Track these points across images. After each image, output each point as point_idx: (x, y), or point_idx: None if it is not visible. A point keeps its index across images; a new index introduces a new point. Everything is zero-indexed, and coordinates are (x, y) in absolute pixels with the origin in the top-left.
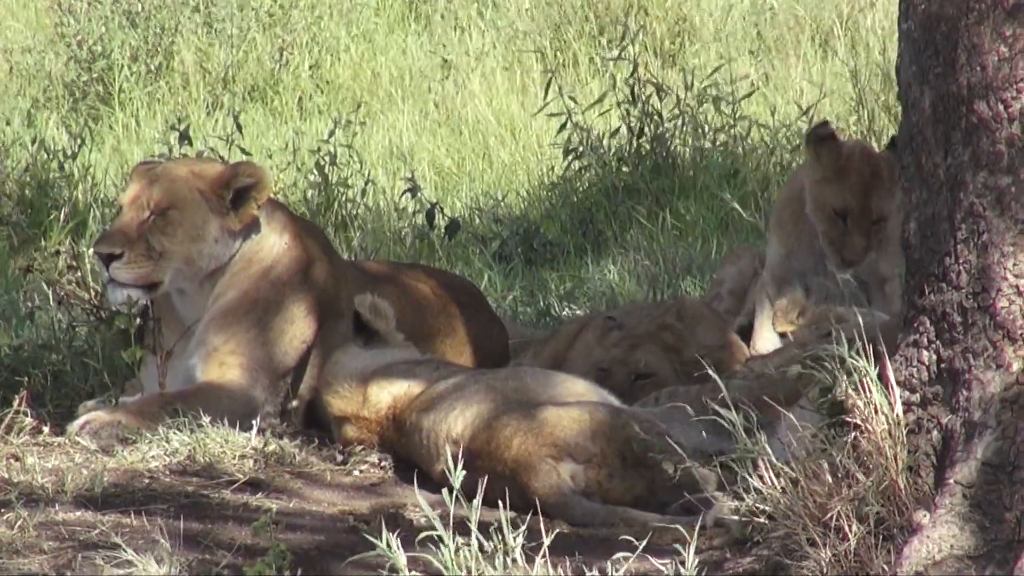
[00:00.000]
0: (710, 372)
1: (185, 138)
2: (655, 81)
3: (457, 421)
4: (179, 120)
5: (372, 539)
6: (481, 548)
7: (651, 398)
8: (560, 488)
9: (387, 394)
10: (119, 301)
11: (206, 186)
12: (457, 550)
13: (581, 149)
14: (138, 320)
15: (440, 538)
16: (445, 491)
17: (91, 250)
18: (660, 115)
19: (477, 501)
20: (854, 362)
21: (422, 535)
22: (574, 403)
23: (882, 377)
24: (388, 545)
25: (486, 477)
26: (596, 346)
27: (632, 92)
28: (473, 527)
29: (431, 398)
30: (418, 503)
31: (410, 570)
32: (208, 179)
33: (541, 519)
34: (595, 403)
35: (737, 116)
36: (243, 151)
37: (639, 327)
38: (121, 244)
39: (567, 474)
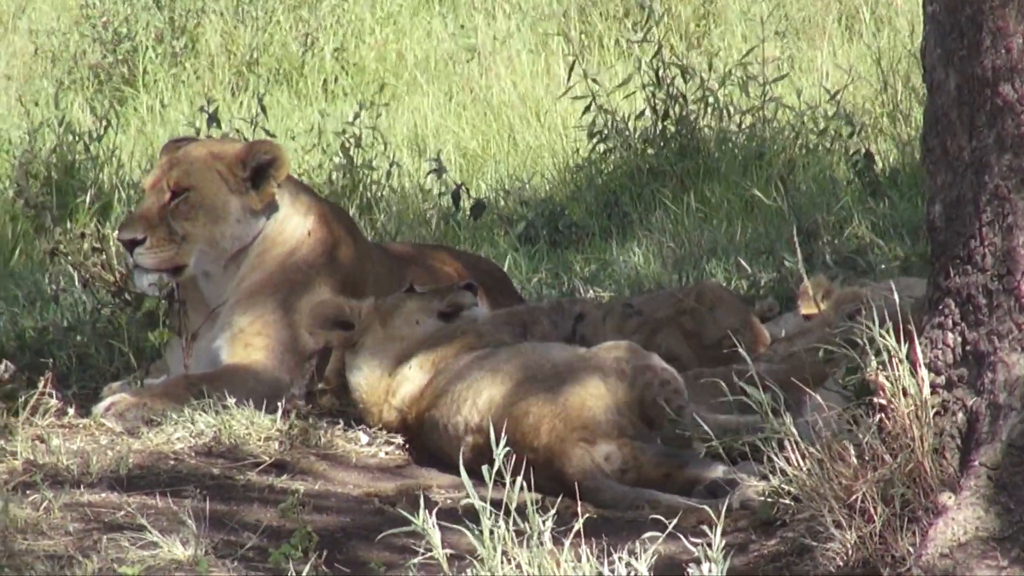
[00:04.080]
0: (741, 351)
1: (213, 119)
2: (680, 63)
3: (472, 412)
4: (208, 102)
5: (408, 516)
6: (516, 530)
7: None
8: (593, 472)
9: (409, 384)
10: (145, 286)
11: (224, 166)
12: (491, 531)
13: (606, 132)
14: (163, 302)
15: (468, 520)
16: (464, 475)
17: (115, 235)
18: (685, 97)
19: (506, 480)
20: (882, 342)
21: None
22: (587, 374)
23: (910, 358)
24: (422, 521)
25: (513, 459)
26: (615, 333)
27: (657, 75)
28: (512, 506)
29: (438, 392)
30: (443, 485)
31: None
32: (226, 159)
33: (575, 502)
34: (604, 368)
35: (765, 98)
36: (268, 133)
37: (658, 312)
38: (143, 229)
39: (602, 456)
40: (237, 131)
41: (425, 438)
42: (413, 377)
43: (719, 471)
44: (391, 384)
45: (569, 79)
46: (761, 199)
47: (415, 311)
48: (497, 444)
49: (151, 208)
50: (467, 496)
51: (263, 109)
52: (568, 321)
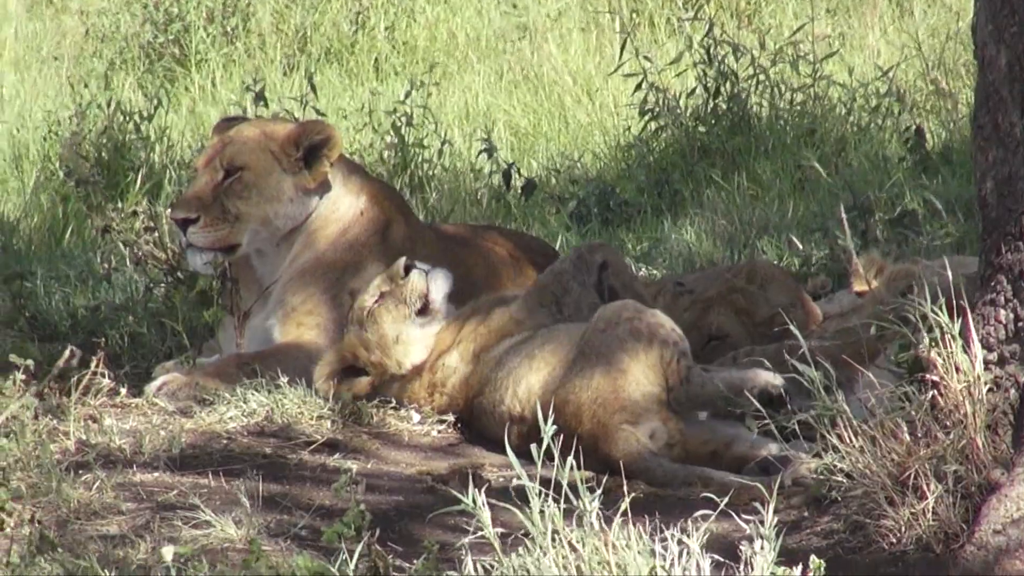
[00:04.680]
0: (792, 329)
1: (261, 98)
2: (731, 41)
3: (514, 402)
4: (255, 81)
5: (458, 495)
6: (565, 510)
7: (728, 358)
8: (641, 453)
9: (455, 376)
10: (198, 265)
11: (277, 146)
12: (541, 511)
13: (657, 110)
14: (215, 281)
15: (519, 499)
16: (511, 455)
17: (168, 214)
18: (735, 75)
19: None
20: (935, 318)
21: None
22: (614, 352)
23: (962, 335)
24: (473, 501)
25: (562, 439)
26: (667, 311)
27: (708, 52)
28: (563, 482)
29: (483, 380)
30: (495, 464)
31: (492, 527)
32: (279, 139)
33: (624, 480)
34: (625, 340)
35: (817, 76)
36: (318, 112)
37: (710, 290)
38: (196, 209)
39: (646, 436)
40: (287, 111)
41: (476, 423)
42: (457, 367)
43: (770, 449)
44: (433, 378)
45: (620, 56)
46: (814, 175)
47: (392, 322)
48: (544, 426)
49: (204, 187)
50: (518, 475)
51: (313, 88)
52: (593, 274)
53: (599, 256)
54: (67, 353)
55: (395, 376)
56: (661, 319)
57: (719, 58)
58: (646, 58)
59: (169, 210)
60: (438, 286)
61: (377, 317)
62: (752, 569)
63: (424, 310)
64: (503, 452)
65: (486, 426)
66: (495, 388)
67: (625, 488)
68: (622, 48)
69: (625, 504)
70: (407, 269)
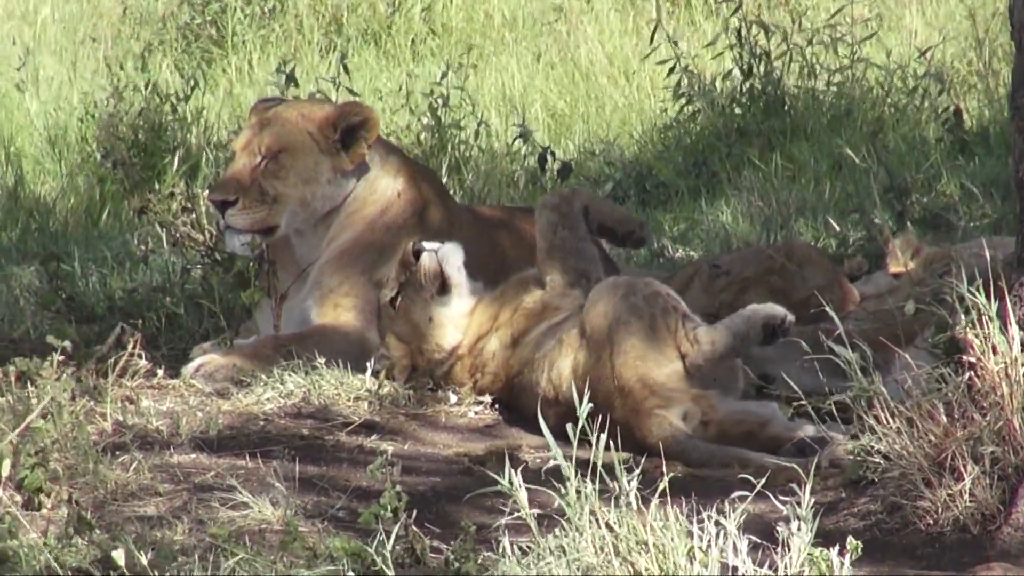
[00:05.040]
0: (828, 310)
1: (292, 79)
2: (760, 20)
3: (548, 386)
4: (284, 62)
5: (495, 476)
6: (601, 491)
7: None
8: (675, 436)
9: (494, 361)
10: (237, 247)
11: (315, 128)
12: (578, 490)
13: (691, 93)
14: (253, 263)
15: (557, 480)
16: (548, 435)
17: (206, 196)
18: (770, 56)
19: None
20: (972, 299)
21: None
22: (625, 336)
23: (999, 315)
24: (510, 482)
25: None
26: (703, 294)
27: (739, 32)
28: (598, 463)
29: (523, 362)
30: (533, 445)
31: (529, 508)
32: (317, 120)
33: (661, 461)
34: (640, 328)
35: (854, 58)
36: (353, 93)
37: (746, 271)
38: (235, 191)
39: (679, 418)
40: (320, 92)
41: (516, 402)
42: (496, 352)
43: (806, 430)
44: (474, 361)
45: (652, 41)
46: (850, 157)
47: (419, 310)
48: (579, 407)
49: (242, 170)
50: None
51: (346, 69)
52: (581, 223)
53: (577, 204)
54: (118, 330)
55: (437, 360)
56: (654, 286)
57: (753, 40)
58: (675, 43)
59: (207, 192)
60: (451, 262)
61: (403, 309)
62: (789, 550)
63: (444, 288)
64: (540, 433)
65: (526, 405)
66: (532, 369)
67: (664, 468)
68: (653, 32)
69: (664, 484)
70: (416, 254)
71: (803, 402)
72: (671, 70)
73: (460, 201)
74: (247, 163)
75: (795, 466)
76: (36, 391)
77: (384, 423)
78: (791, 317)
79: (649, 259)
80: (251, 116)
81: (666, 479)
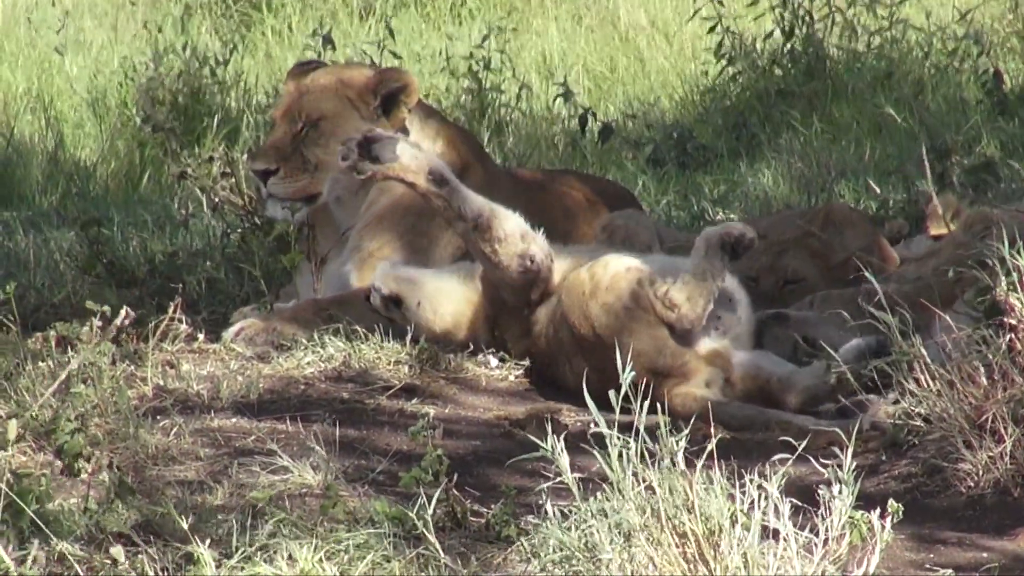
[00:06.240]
0: (867, 274)
1: (329, 42)
2: None
3: (568, 374)
4: (320, 25)
5: (536, 440)
6: (643, 453)
7: (805, 302)
8: (705, 406)
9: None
10: (279, 214)
11: (354, 94)
12: (620, 454)
13: (733, 54)
14: (293, 227)
15: (598, 443)
16: (589, 400)
17: (246, 163)
18: (811, 16)
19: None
20: (1013, 262)
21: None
22: (618, 327)
23: None
24: (551, 446)
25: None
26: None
27: None
28: (640, 426)
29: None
30: (573, 408)
31: (570, 473)
32: (356, 87)
33: (706, 424)
34: (623, 315)
35: (893, 19)
36: (395, 55)
37: (785, 233)
38: (276, 159)
39: (702, 387)
40: (364, 54)
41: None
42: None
43: (816, 371)
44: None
45: (696, 1)
46: (890, 119)
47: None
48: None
49: (283, 138)
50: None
51: (391, 33)
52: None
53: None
54: (177, 299)
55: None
56: (611, 265)
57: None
58: (720, 2)
59: (248, 161)
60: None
61: None
62: (830, 513)
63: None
64: (581, 397)
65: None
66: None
67: (712, 430)
68: None
69: (711, 446)
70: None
71: (843, 368)
72: (711, 28)
73: (500, 164)
74: (287, 131)
75: (836, 429)
76: (75, 356)
77: (424, 387)
78: (750, 232)
79: (689, 222)
80: (288, 81)
81: (713, 441)
